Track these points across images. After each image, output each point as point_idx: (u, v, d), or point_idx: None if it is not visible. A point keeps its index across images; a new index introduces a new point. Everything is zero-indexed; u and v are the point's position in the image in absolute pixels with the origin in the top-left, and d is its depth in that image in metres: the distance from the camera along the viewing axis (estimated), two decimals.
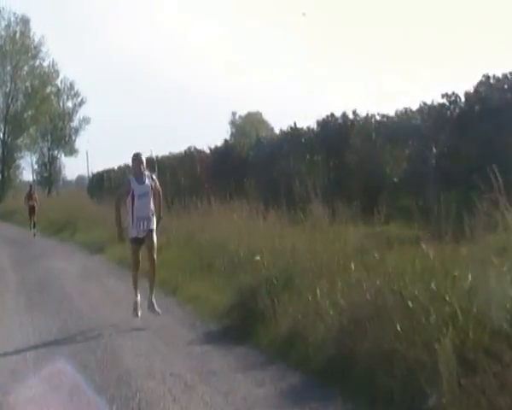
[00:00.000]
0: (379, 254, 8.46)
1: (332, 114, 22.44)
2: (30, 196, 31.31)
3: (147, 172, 10.76)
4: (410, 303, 6.11)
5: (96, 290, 13.46)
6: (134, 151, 10.85)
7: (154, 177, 11.01)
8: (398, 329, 6.04)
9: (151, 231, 10.76)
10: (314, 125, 23.15)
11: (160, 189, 11.12)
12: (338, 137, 21.60)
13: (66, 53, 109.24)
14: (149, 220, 10.72)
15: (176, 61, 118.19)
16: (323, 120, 22.41)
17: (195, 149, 31.41)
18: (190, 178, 29.69)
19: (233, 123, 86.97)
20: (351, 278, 8.09)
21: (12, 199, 52.79)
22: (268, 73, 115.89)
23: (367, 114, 21.48)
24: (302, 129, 23.66)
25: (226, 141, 29.95)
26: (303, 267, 9.29)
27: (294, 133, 23.79)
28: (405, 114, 20.60)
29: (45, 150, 73.32)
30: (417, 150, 19.18)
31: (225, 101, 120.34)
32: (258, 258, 10.42)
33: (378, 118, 21.21)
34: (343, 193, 18.65)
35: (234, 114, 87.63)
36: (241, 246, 12.28)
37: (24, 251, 21.97)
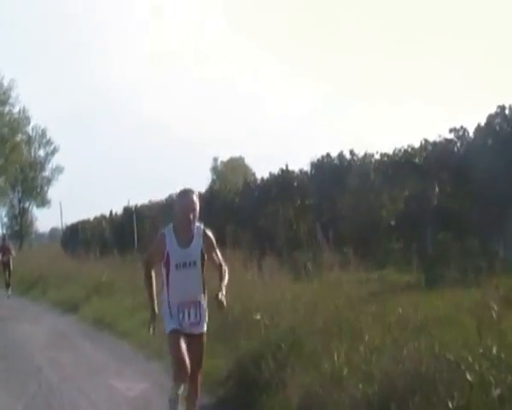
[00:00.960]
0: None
1: (328, 155, 21.59)
2: (3, 250, 27.17)
3: (197, 224, 6.68)
4: (467, 375, 4.94)
5: (69, 358, 12.10)
6: (183, 188, 6.87)
7: (209, 233, 6.83)
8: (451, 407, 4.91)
9: (201, 333, 6.76)
10: (307, 168, 22.42)
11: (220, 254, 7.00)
12: (333, 179, 20.76)
13: (36, 97, 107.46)
14: (198, 310, 6.66)
15: (153, 103, 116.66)
16: (318, 161, 21.50)
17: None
18: None
19: (214, 169, 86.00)
20: (373, 340, 7.01)
21: None
22: (252, 117, 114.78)
23: (365, 154, 20.70)
24: (293, 172, 22.79)
25: (211, 187, 28.90)
26: (311, 327, 8.16)
27: (286, 176, 22.87)
28: (406, 153, 19.68)
29: (15, 202, 71.91)
30: (417, 190, 18.41)
31: (206, 146, 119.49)
32: (258, 317, 9.31)
33: (377, 157, 20.41)
34: (335, 237, 18.05)
35: (215, 159, 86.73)
36: (234, 301, 11.13)
37: None
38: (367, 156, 20.75)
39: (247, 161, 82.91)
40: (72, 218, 56.80)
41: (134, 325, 13.28)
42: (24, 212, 72.37)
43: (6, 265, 26.79)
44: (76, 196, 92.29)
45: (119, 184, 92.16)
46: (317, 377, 6.86)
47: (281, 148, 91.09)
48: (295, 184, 22.03)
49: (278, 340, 8.02)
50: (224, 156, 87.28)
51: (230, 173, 74.83)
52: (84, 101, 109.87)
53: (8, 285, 26.38)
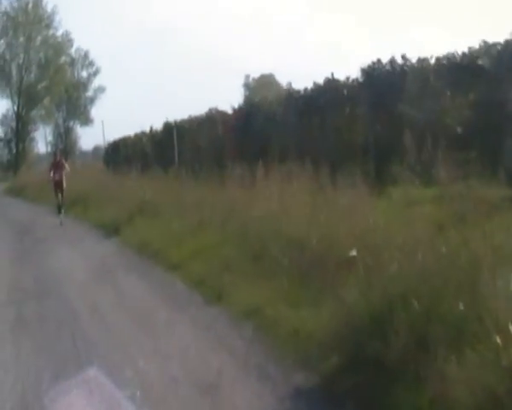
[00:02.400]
0: None
1: (379, 60, 18.35)
2: (56, 166, 21.19)
3: None
4: None
5: (111, 298, 9.31)
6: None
7: None
8: None
9: None
10: (353, 76, 19.27)
11: None
12: (386, 86, 17.61)
13: (78, 23, 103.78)
14: None
15: (189, 23, 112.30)
16: (369, 67, 18.26)
17: (217, 110, 27.61)
18: (212, 142, 25.94)
19: (247, 85, 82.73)
20: None
21: (26, 173, 48.64)
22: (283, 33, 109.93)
23: (419, 58, 17.45)
24: (339, 80, 19.65)
25: (249, 99, 25.70)
26: (444, 272, 5.11)
27: (332, 85, 19.74)
28: (467, 55, 16.43)
29: (60, 121, 69.72)
30: (485, 95, 15.27)
31: (238, 63, 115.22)
32: (354, 253, 6.41)
33: (433, 61, 17.16)
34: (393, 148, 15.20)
35: (247, 76, 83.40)
36: (310, 230, 8.28)
37: (28, 234, 17.98)
38: (422, 60, 17.50)
39: (278, 79, 79.63)
40: (113, 136, 54.26)
41: (185, 255, 10.52)
42: (68, 131, 70.12)
43: (58, 184, 20.91)
44: (117, 115, 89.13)
45: (156, 103, 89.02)
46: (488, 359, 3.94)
47: (314, 66, 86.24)
48: (345, 92, 18.86)
49: (406, 292, 4.96)
50: (255, 73, 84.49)
51: (263, 89, 71.56)
52: (124, 26, 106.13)
53: (60, 209, 20.64)
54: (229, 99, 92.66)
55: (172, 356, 6.29)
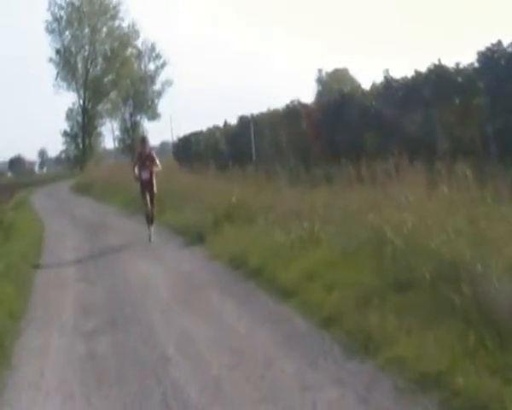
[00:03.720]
0: None
1: (499, 42, 15.99)
2: (143, 160, 15.21)
3: None
4: None
5: (206, 334, 7.23)
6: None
7: None
8: None
9: None
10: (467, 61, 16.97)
11: None
12: (509, 72, 15.30)
13: (145, 12, 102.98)
14: None
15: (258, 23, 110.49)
16: (488, 50, 15.90)
17: (299, 102, 25.67)
18: (295, 137, 24.05)
19: (320, 80, 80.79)
20: None
21: (94, 169, 47.45)
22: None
23: None
24: (446, 67, 17.39)
25: (341, 90, 23.57)
26: None
27: (439, 72, 17.49)
28: None
29: (127, 116, 68.93)
30: None
31: (311, 58, 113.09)
32: None
33: None
34: None
35: (320, 71, 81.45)
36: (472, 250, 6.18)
37: (99, 239, 16.25)
38: None
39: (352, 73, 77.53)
40: (181, 131, 52.43)
41: (297, 277, 8.41)
42: (135, 125, 69.20)
43: (146, 185, 15.23)
44: (185, 110, 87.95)
45: (226, 98, 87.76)
46: None
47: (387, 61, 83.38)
48: (459, 79, 16.54)
49: None
50: (328, 68, 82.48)
51: (336, 84, 69.58)
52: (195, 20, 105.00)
53: (150, 220, 15.18)
54: (302, 94, 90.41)
55: None
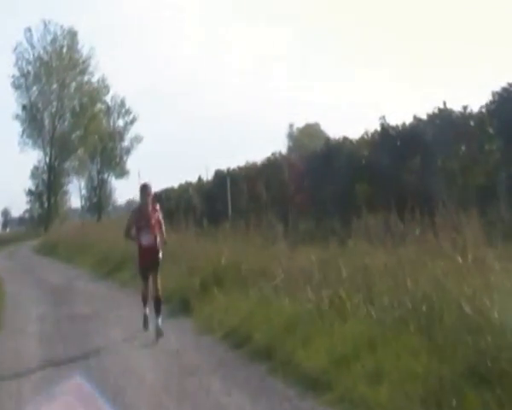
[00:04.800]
0: None
1: None
2: (145, 219, 10.81)
3: None
4: None
5: None
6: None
7: None
8: None
9: None
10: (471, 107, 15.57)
11: None
12: None
13: (115, 67, 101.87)
14: None
15: (228, 76, 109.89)
16: (504, 90, 14.42)
17: (281, 154, 24.70)
18: (277, 190, 22.72)
19: (290, 135, 79.73)
20: None
21: (59, 228, 45.39)
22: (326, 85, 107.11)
23: None
24: (452, 111, 15.97)
25: (328, 141, 22.05)
26: None
27: (444, 115, 16.04)
28: None
29: (94, 173, 66.65)
30: None
31: (281, 113, 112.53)
32: None
33: None
34: None
35: (291, 125, 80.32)
36: None
37: (65, 306, 14.26)
38: None
39: (324, 128, 76.56)
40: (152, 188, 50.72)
41: (325, 360, 6.56)
42: (103, 183, 67.15)
43: (149, 254, 10.79)
44: (155, 166, 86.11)
45: (197, 153, 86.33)
46: None
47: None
48: (471, 123, 15.06)
49: None
50: (299, 123, 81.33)
51: (307, 139, 68.64)
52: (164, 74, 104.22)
53: (155, 304, 10.60)
54: (272, 150, 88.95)
55: None
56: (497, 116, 14.24)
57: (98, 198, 66.30)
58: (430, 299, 6.41)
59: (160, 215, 10.94)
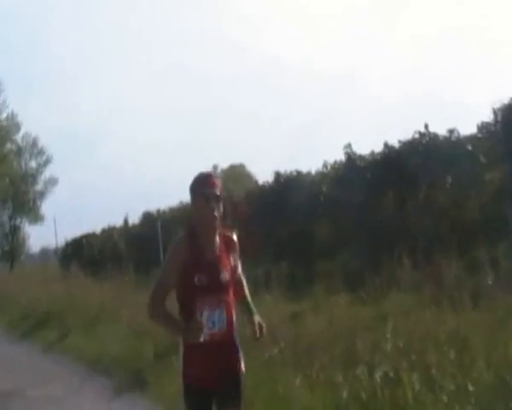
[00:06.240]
0: None
1: None
2: (203, 257, 4.30)
3: None
4: None
5: None
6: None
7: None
8: None
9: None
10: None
11: None
12: None
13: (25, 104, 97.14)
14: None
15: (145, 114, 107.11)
16: (506, 106, 12.48)
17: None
18: None
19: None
20: None
21: None
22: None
23: None
24: (436, 134, 14.10)
25: (278, 174, 19.77)
26: None
27: (428, 141, 14.16)
28: None
29: (6, 219, 62.53)
30: None
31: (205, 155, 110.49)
32: None
33: None
34: None
35: (215, 167, 78.30)
36: None
37: None
38: None
39: (250, 169, 75.12)
40: (68, 234, 46.89)
41: None
42: (15, 230, 62.97)
43: (217, 361, 4.29)
44: (73, 211, 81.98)
45: (116, 198, 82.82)
46: None
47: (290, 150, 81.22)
48: (469, 147, 13.10)
49: None
50: (223, 164, 79.56)
51: (231, 182, 66.70)
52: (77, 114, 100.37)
53: None
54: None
55: None
56: (504, 135, 12.20)
57: (11, 246, 62.20)
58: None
59: (237, 258, 4.59)
